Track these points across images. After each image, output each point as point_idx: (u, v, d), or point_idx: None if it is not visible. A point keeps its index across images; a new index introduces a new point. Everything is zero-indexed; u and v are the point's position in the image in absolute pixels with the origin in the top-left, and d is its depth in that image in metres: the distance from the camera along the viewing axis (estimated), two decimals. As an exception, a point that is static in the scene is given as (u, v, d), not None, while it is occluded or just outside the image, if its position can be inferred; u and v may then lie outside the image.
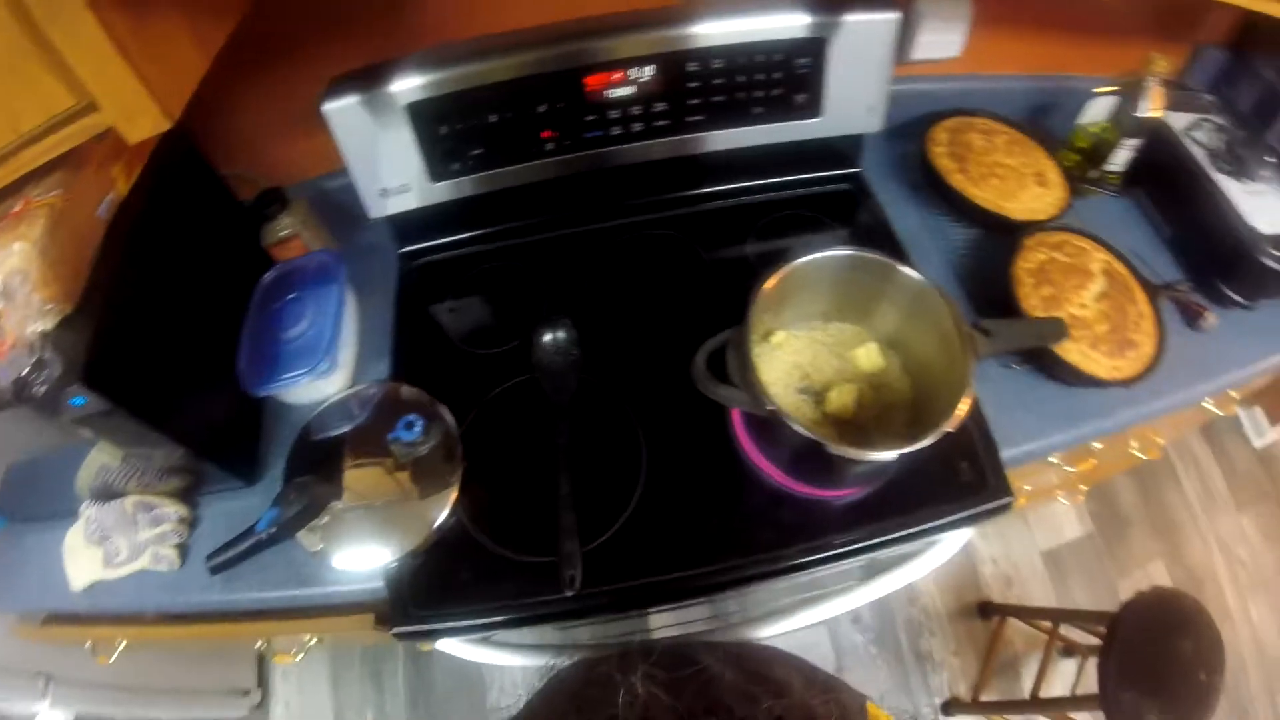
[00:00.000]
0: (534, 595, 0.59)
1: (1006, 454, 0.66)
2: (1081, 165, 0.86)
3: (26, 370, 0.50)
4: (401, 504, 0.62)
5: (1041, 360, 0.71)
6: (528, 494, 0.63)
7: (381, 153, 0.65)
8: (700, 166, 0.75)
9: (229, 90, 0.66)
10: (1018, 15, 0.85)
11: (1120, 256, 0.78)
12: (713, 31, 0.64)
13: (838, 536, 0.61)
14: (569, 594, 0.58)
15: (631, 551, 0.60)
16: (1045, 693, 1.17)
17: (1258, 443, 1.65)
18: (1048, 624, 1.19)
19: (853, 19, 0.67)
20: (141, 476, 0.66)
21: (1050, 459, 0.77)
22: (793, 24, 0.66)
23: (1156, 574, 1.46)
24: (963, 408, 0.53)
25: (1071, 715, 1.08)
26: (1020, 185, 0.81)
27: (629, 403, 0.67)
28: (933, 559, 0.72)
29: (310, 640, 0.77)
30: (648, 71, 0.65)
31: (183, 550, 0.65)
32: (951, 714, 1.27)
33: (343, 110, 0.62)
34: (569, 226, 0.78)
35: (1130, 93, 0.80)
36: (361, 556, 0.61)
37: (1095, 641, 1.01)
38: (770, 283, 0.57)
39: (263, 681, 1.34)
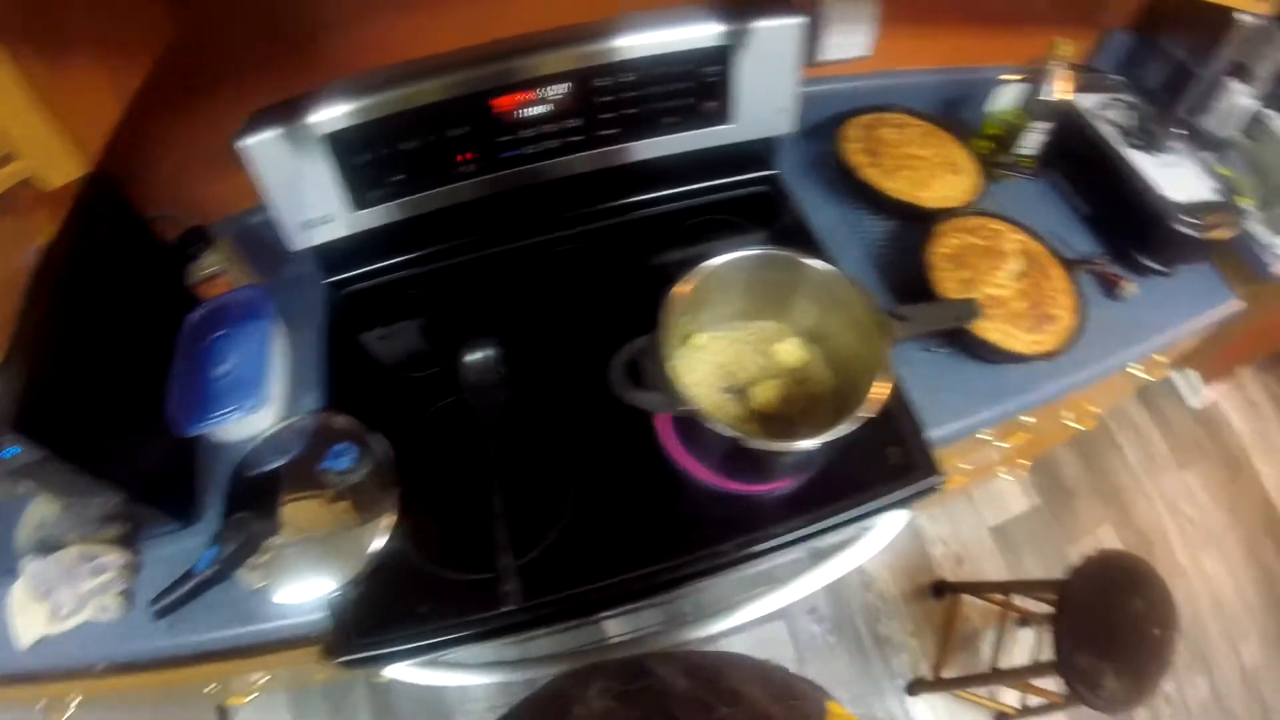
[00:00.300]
0: (475, 613, 0.59)
1: (934, 434, 0.68)
2: (995, 151, 0.89)
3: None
4: (341, 534, 0.62)
5: (963, 341, 0.74)
6: (464, 513, 0.63)
7: (302, 184, 0.66)
8: (620, 178, 0.76)
9: (149, 131, 0.66)
10: (925, 12, 0.88)
11: (1036, 236, 0.81)
12: (619, 46, 0.65)
13: (771, 529, 0.63)
14: (508, 608, 0.59)
15: (568, 561, 0.61)
16: (1005, 663, 1.21)
17: (1194, 403, 1.70)
18: (1000, 597, 1.22)
19: (757, 26, 0.68)
20: (81, 526, 0.65)
21: (980, 435, 0.79)
22: (698, 34, 0.67)
23: (1106, 538, 1.50)
24: (879, 393, 0.55)
25: (1033, 682, 1.11)
26: (933, 175, 0.83)
27: (558, 416, 0.68)
28: (874, 542, 0.73)
29: (261, 679, 0.76)
30: (558, 90, 0.66)
31: (127, 597, 0.65)
32: (916, 693, 1.29)
33: (261, 145, 0.62)
34: (495, 245, 0.79)
35: (1037, 78, 0.83)
36: (303, 589, 0.61)
37: (1049, 609, 1.04)
38: (681, 288, 0.59)
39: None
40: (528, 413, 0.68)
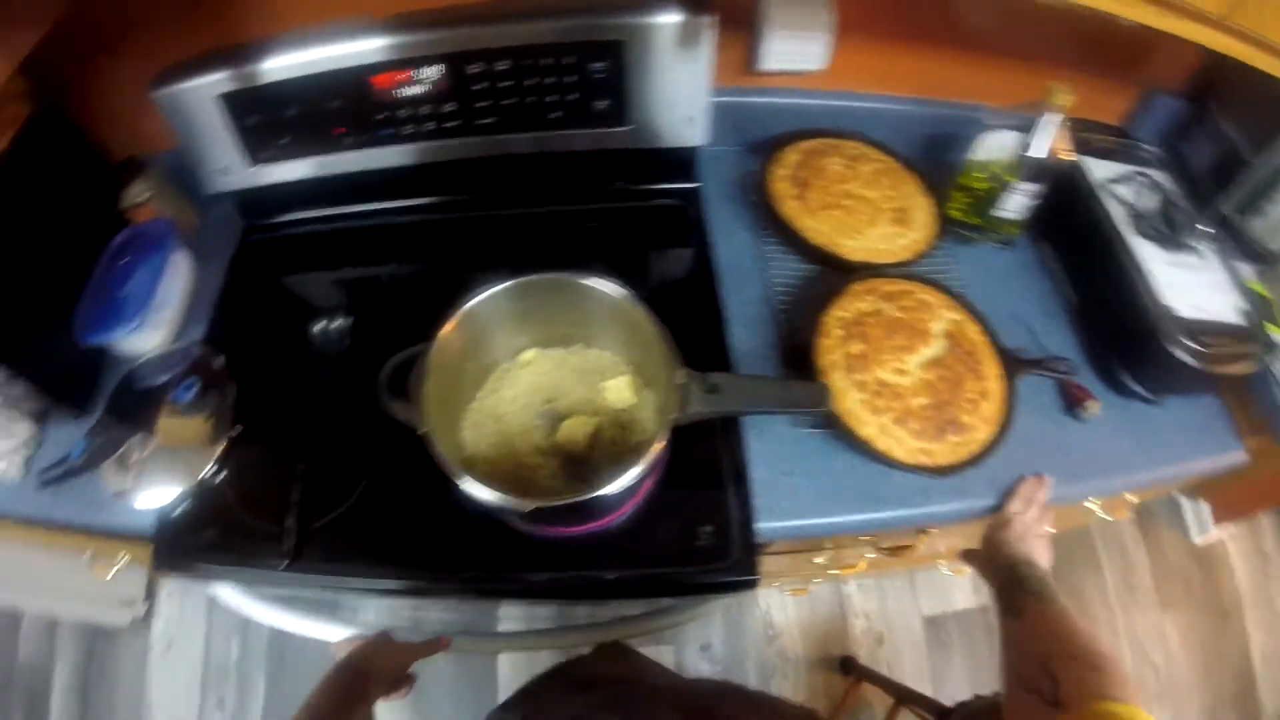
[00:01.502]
0: (253, 557, 0.63)
1: (767, 525, 0.60)
2: (971, 207, 0.75)
3: None
4: (193, 452, 0.67)
5: (834, 423, 0.63)
6: (276, 469, 0.67)
7: (204, 137, 0.70)
8: (507, 169, 0.74)
9: (98, 68, 0.73)
10: (908, 29, 0.76)
11: (980, 319, 0.68)
12: (495, 32, 0.62)
13: (530, 575, 0.60)
14: (278, 564, 0.62)
15: (347, 540, 0.63)
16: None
17: (1196, 538, 1.42)
18: (891, 699, 1.10)
19: (652, 21, 0.62)
20: (6, 397, 0.76)
21: (825, 543, 0.70)
22: (580, 25, 0.63)
23: None
24: (631, 471, 0.49)
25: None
26: (869, 221, 0.73)
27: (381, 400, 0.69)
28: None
29: (123, 558, 0.87)
30: (432, 71, 0.64)
31: (27, 463, 0.76)
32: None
33: (168, 97, 0.67)
34: (388, 217, 0.80)
35: (1029, 129, 0.69)
36: (152, 496, 0.68)
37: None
38: (448, 326, 0.56)
39: (150, 596, 1.46)
40: (359, 389, 0.68)
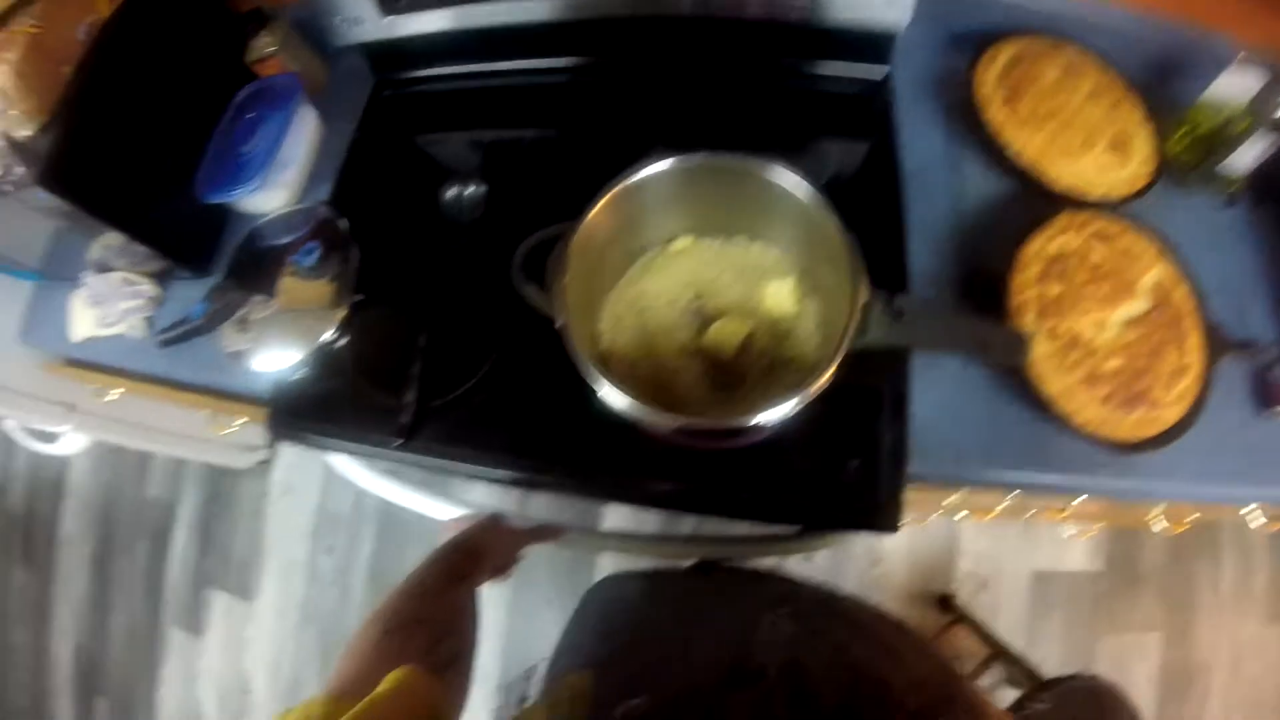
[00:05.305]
0: (368, 431, 0.60)
1: (918, 468, 0.52)
2: (1193, 151, 0.61)
3: (-1, 171, 0.58)
4: (315, 314, 0.63)
5: (1016, 373, 0.54)
6: (399, 338, 0.62)
7: (335, -20, 0.62)
8: (680, 29, 0.63)
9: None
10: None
11: (1192, 281, 0.56)
12: None
13: (660, 482, 0.55)
14: (392, 440, 0.59)
15: (465, 422, 0.58)
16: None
17: None
18: (985, 651, 1.03)
19: None
20: (129, 257, 0.74)
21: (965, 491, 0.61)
22: None
23: (1150, 648, 1.20)
24: (791, 401, 0.41)
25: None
26: (1084, 144, 0.59)
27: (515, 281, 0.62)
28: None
29: (240, 420, 0.87)
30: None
31: (149, 323, 0.75)
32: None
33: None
34: (535, 76, 0.70)
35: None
36: (271, 359, 0.65)
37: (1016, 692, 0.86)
38: (598, 208, 0.48)
39: (272, 443, 1.51)
40: (488, 264, 0.62)
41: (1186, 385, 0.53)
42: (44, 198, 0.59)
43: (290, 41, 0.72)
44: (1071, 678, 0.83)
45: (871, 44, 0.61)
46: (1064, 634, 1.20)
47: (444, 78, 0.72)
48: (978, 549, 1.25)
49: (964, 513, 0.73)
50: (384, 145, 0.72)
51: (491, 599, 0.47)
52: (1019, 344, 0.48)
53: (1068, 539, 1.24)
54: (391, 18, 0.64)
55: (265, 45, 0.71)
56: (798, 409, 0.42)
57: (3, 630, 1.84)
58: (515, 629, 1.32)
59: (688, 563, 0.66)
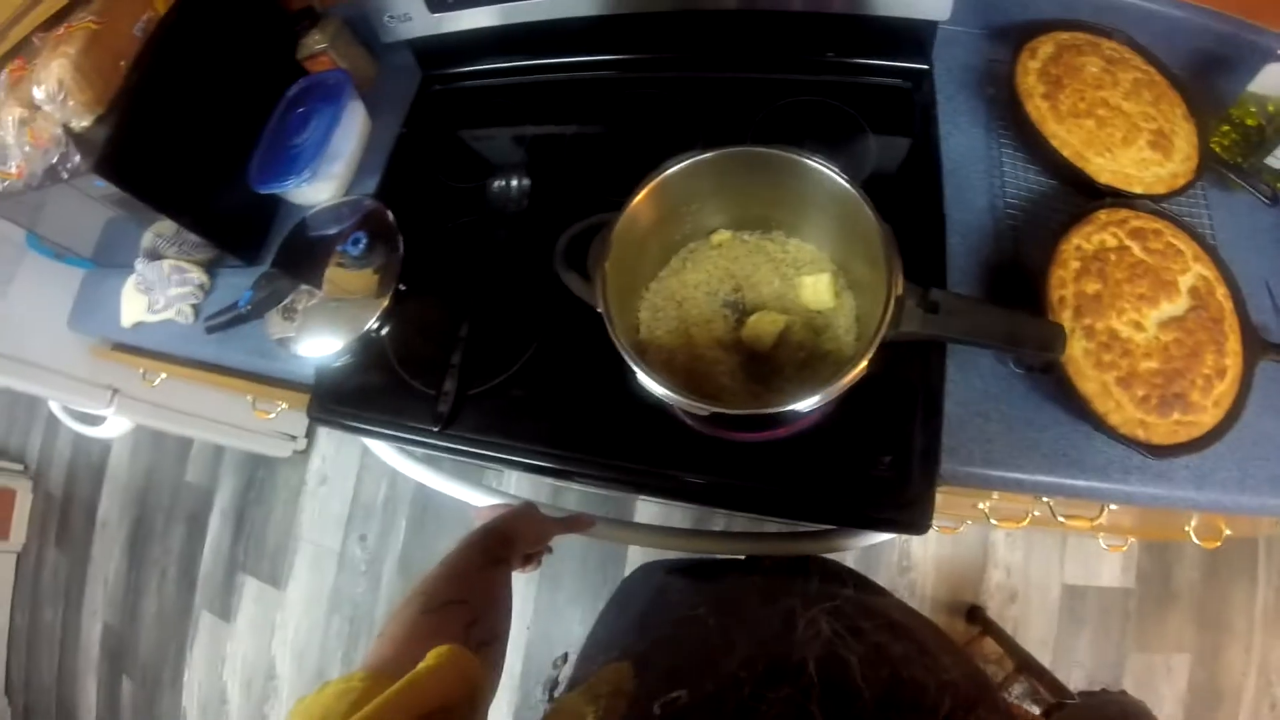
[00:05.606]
0: (406, 418, 0.61)
1: (950, 466, 0.52)
2: (1235, 148, 0.60)
3: (55, 159, 0.62)
4: (360, 306, 0.65)
5: (1051, 371, 0.53)
6: (440, 327, 0.63)
7: (384, -22, 0.64)
8: (715, 26, 0.64)
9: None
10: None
11: (1231, 283, 0.54)
12: None
13: (694, 475, 0.54)
14: (430, 428, 0.60)
15: (503, 411, 0.59)
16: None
17: None
18: (1012, 664, 1.01)
19: None
20: (180, 245, 0.77)
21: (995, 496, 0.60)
22: None
23: (1177, 669, 1.16)
24: (825, 391, 0.41)
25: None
26: (1126, 139, 0.57)
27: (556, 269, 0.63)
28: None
29: (281, 406, 0.89)
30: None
31: (197, 310, 0.78)
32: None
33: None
34: (581, 71, 0.71)
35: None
36: (315, 345, 0.66)
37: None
38: (639, 197, 0.48)
39: (310, 433, 1.56)
40: (529, 256, 0.62)
41: (1224, 389, 0.51)
42: (101, 185, 0.62)
43: (340, 39, 0.74)
44: (1102, 692, 0.82)
45: (913, 36, 0.61)
46: (1092, 650, 1.18)
47: (490, 73, 0.74)
48: (1010, 561, 1.23)
49: (993, 521, 0.72)
50: (430, 139, 0.74)
51: (516, 595, 0.47)
52: (1054, 338, 0.47)
53: (1100, 554, 1.21)
54: (439, 15, 0.66)
55: (316, 42, 0.73)
56: (832, 399, 0.42)
57: (33, 609, 1.90)
58: (539, 628, 1.33)
59: (723, 556, 0.66)
